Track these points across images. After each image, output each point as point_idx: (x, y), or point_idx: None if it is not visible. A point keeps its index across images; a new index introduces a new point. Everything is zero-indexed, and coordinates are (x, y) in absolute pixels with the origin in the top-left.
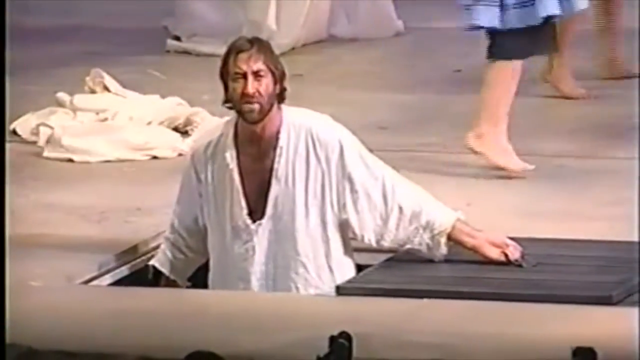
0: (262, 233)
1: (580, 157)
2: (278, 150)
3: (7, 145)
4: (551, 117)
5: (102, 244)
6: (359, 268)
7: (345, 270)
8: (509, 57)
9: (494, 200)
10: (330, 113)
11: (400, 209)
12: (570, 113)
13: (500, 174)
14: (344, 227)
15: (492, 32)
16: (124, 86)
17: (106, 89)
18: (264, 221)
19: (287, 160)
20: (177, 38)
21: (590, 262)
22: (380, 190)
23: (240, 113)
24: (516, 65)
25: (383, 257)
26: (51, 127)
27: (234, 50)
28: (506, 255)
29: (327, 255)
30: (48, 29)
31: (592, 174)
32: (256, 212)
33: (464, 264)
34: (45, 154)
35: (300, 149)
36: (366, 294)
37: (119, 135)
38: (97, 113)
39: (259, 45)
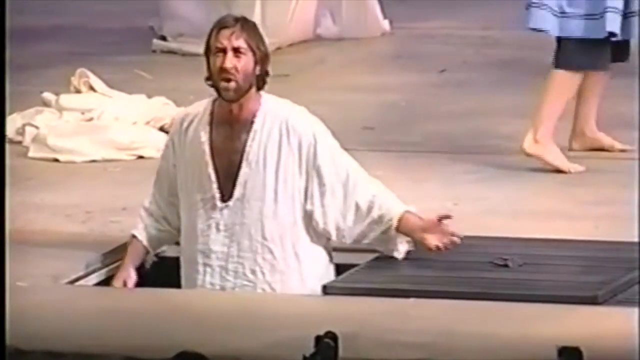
0: (227, 214)
1: (566, 156)
2: (251, 134)
3: (7, 146)
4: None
5: (87, 243)
6: (346, 267)
7: (313, 259)
8: (573, 67)
9: (480, 200)
10: (317, 113)
11: (357, 205)
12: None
13: (489, 174)
14: (308, 217)
15: (560, 41)
16: (110, 86)
17: (92, 88)
18: (231, 203)
19: (259, 144)
20: (164, 38)
21: (576, 262)
22: (343, 186)
23: (217, 90)
24: (579, 76)
25: (369, 256)
26: (37, 127)
27: (217, 26)
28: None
29: (294, 242)
30: (34, 28)
31: (578, 173)
32: (225, 193)
33: (450, 263)
34: (31, 154)
35: (274, 136)
36: (352, 293)
37: (105, 135)
38: (83, 113)
39: (243, 23)
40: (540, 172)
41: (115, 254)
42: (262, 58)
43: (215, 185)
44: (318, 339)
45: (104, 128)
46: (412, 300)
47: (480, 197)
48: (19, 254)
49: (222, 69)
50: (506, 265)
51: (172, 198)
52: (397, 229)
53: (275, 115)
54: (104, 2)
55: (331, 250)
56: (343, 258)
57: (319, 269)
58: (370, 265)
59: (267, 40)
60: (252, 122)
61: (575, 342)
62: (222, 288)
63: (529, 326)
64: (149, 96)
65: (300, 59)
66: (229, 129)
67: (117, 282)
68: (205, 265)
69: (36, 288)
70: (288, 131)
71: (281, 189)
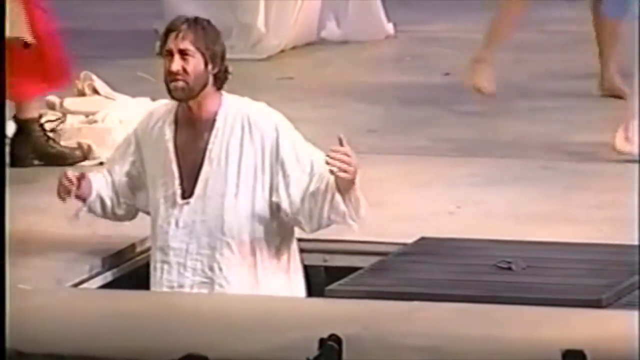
0: (187, 211)
1: (569, 159)
2: (214, 132)
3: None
4: (541, 119)
5: (91, 246)
6: (349, 270)
7: (269, 253)
8: None
9: (483, 203)
10: (321, 116)
11: (318, 189)
12: (559, 115)
13: (492, 177)
14: (273, 210)
15: None
16: (114, 89)
17: (96, 91)
18: (192, 200)
19: (222, 141)
20: None
21: (580, 265)
22: (308, 176)
23: (169, 91)
24: None
25: (373, 259)
26: None
27: (166, 30)
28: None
29: (252, 237)
30: None
31: (580, 176)
32: (186, 190)
33: (454, 266)
34: None
35: (236, 132)
36: (356, 296)
37: (109, 138)
38: (87, 115)
39: (191, 24)
40: (542, 175)
41: (119, 257)
42: (213, 57)
43: (177, 182)
44: (322, 342)
45: (108, 131)
46: (416, 303)
47: (483, 200)
48: (21, 257)
49: (170, 72)
50: (510, 269)
51: (125, 187)
52: (338, 189)
53: (236, 113)
54: (106, 4)
55: (291, 242)
56: (346, 261)
57: (273, 262)
58: (374, 268)
59: (270, 42)
60: (214, 121)
61: (580, 345)
62: (180, 285)
63: (533, 329)
64: (153, 99)
65: (304, 62)
66: (192, 129)
67: (68, 173)
68: (162, 262)
69: (37, 290)
70: (250, 127)
71: (242, 184)
